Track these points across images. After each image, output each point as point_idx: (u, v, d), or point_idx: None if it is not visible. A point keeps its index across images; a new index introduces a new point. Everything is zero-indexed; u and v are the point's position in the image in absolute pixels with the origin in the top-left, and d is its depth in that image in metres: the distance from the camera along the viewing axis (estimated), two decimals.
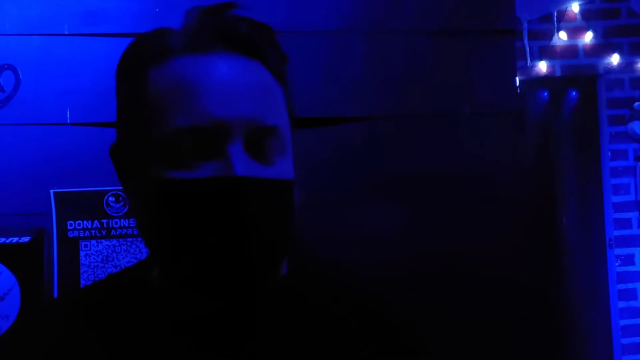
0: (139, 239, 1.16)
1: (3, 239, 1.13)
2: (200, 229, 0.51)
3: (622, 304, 2.83)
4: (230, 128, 0.51)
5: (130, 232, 1.16)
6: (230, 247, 0.51)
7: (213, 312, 0.56)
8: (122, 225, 1.16)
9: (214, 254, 0.51)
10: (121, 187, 0.61)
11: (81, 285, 1.15)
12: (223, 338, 0.56)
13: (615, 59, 2.82)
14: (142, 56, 0.56)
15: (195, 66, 0.53)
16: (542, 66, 2.81)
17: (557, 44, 2.81)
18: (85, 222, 1.16)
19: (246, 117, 0.52)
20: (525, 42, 2.72)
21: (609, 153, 2.85)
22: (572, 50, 2.83)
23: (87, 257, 1.16)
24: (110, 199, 1.16)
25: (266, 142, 0.54)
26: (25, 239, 1.13)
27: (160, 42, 0.55)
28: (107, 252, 1.16)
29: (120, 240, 1.16)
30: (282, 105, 0.57)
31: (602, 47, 2.83)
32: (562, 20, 2.79)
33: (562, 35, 2.79)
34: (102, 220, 1.16)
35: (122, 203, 1.16)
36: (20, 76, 1.17)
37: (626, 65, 2.83)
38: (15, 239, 1.13)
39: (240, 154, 0.51)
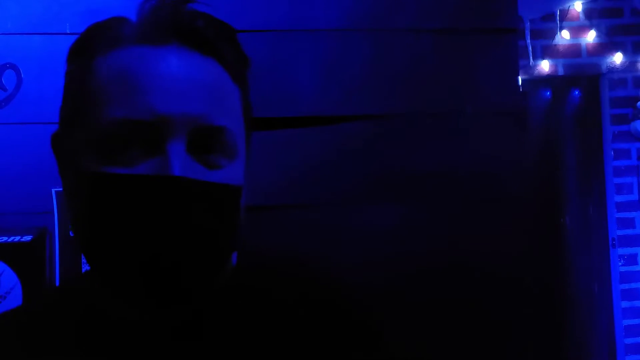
0: None
1: (5, 238, 1.13)
2: (131, 229, 0.48)
3: (625, 304, 2.82)
4: (171, 124, 0.48)
5: None
6: (160, 250, 0.48)
7: (151, 316, 0.54)
8: None
9: (144, 256, 0.48)
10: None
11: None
12: (165, 340, 0.54)
13: (618, 58, 2.81)
14: (90, 44, 0.53)
15: (141, 57, 0.50)
16: (545, 65, 2.80)
17: (560, 43, 2.81)
18: None
19: (191, 115, 0.49)
20: (528, 41, 2.71)
21: (612, 152, 2.84)
22: (574, 50, 2.82)
23: None
24: None
25: (213, 144, 0.51)
26: (27, 238, 1.13)
27: (111, 31, 0.53)
28: None
29: None
30: (236, 107, 0.55)
31: (605, 46, 2.82)
32: (565, 19, 2.78)
33: (565, 34, 2.79)
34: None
35: None
36: (22, 75, 1.17)
37: (629, 65, 2.82)
38: (17, 238, 1.13)
39: (180, 153, 0.48)
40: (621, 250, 2.83)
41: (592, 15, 2.81)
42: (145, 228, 0.48)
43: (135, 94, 0.48)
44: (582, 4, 2.76)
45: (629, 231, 2.84)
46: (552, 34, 2.78)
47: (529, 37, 2.71)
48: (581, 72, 2.84)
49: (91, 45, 0.53)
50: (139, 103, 0.48)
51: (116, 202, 0.48)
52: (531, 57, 2.75)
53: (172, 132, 0.48)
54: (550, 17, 2.76)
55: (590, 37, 2.80)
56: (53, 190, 1.15)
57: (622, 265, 2.83)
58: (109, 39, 0.52)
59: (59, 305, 0.59)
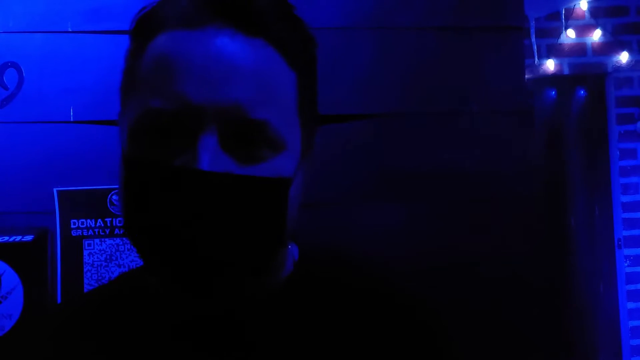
0: None
1: (6, 238, 1.12)
2: (170, 222, 0.46)
3: (631, 305, 2.80)
4: (203, 115, 0.45)
5: None
6: (195, 242, 0.46)
7: (211, 314, 0.53)
8: None
9: (185, 251, 0.47)
10: None
11: (84, 284, 1.14)
12: (221, 341, 0.53)
13: (624, 56, 2.79)
14: (145, 24, 0.51)
15: (180, 42, 0.47)
16: (550, 64, 2.78)
17: (565, 42, 2.79)
18: (88, 220, 1.15)
19: (223, 106, 0.46)
20: (533, 40, 2.70)
21: (618, 152, 2.83)
22: (580, 48, 2.81)
23: (91, 256, 1.15)
24: (114, 197, 1.15)
25: (252, 137, 0.47)
26: (29, 237, 1.12)
27: (162, 12, 0.50)
28: (111, 251, 1.15)
29: (124, 239, 1.15)
30: (287, 96, 0.50)
31: (611, 45, 2.80)
32: (570, 17, 2.76)
33: (570, 33, 2.77)
34: (106, 219, 1.15)
35: None
36: (24, 74, 1.17)
37: (635, 63, 2.80)
38: (18, 238, 1.12)
39: (210, 147, 0.45)
40: (627, 251, 2.81)
41: (598, 14, 2.79)
42: (183, 222, 0.46)
43: (171, 83, 0.46)
44: (588, 2, 2.74)
45: (635, 232, 2.82)
46: (558, 33, 2.77)
47: (534, 36, 2.70)
48: (587, 71, 2.83)
49: (145, 26, 0.51)
50: (174, 93, 0.46)
51: (150, 191, 0.47)
52: (536, 56, 2.74)
53: (204, 123, 0.46)
54: (556, 15, 2.74)
55: (596, 35, 2.79)
56: (54, 190, 1.14)
57: (628, 266, 2.81)
58: (158, 20, 0.49)
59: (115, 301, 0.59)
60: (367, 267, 0.65)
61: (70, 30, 1.17)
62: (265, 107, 0.47)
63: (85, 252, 1.15)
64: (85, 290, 1.13)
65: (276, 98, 0.48)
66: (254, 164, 0.47)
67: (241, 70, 0.46)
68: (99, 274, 1.14)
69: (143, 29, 0.51)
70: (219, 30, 0.47)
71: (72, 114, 1.17)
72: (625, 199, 2.82)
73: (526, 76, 1.29)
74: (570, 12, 2.76)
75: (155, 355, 0.53)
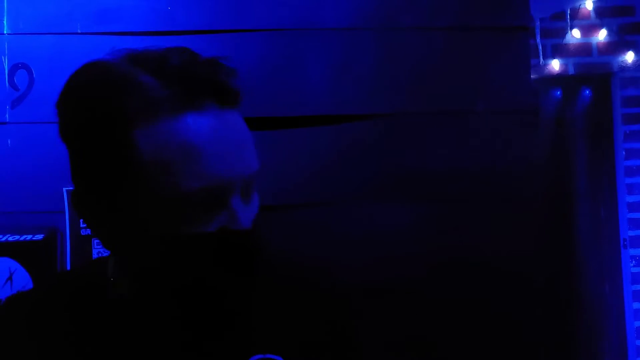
0: None
1: (17, 237, 1.13)
2: (198, 276, 0.55)
3: (636, 305, 2.79)
4: (233, 183, 0.54)
5: None
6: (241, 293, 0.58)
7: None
8: None
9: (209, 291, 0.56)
10: None
11: None
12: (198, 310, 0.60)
13: (629, 56, 2.78)
14: (121, 115, 0.51)
15: (192, 127, 0.52)
16: (555, 64, 2.78)
17: (571, 42, 2.79)
18: None
19: (245, 172, 0.55)
20: (538, 40, 2.70)
21: (623, 152, 2.82)
22: (585, 48, 2.80)
23: (100, 254, 1.16)
24: None
25: (252, 185, 0.58)
26: (39, 236, 1.14)
27: (142, 99, 0.51)
28: None
29: None
30: (252, 141, 0.59)
31: (617, 45, 2.80)
32: (576, 17, 2.76)
33: (576, 33, 2.77)
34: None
35: None
36: (34, 75, 1.18)
37: None
38: (29, 237, 1.13)
39: (241, 205, 0.55)
40: (632, 251, 2.81)
41: (603, 14, 2.79)
42: (215, 274, 0.56)
43: (202, 164, 0.52)
44: (593, 2, 2.74)
45: None
46: (563, 33, 2.76)
47: (539, 36, 2.69)
48: (592, 71, 2.82)
49: (123, 116, 0.51)
50: (208, 172, 0.52)
51: (196, 257, 0.54)
52: (541, 56, 2.73)
53: (233, 188, 0.54)
54: (561, 15, 2.74)
55: (601, 35, 2.78)
56: (64, 190, 1.15)
57: (634, 266, 2.81)
58: (143, 109, 0.51)
59: (63, 287, 0.64)
60: (317, 271, 0.72)
61: (79, 31, 1.19)
62: (255, 158, 0.58)
63: (95, 251, 1.16)
64: None
65: (254, 150, 0.58)
66: (251, 202, 0.58)
67: (244, 139, 0.56)
68: None
69: (116, 116, 0.52)
70: (216, 109, 0.53)
71: None
72: (630, 199, 2.81)
73: (531, 76, 1.29)
74: (575, 12, 2.75)
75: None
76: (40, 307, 0.62)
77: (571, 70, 2.81)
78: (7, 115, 1.17)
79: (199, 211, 0.53)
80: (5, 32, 1.17)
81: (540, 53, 2.73)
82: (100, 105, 0.53)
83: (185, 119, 0.51)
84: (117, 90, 0.52)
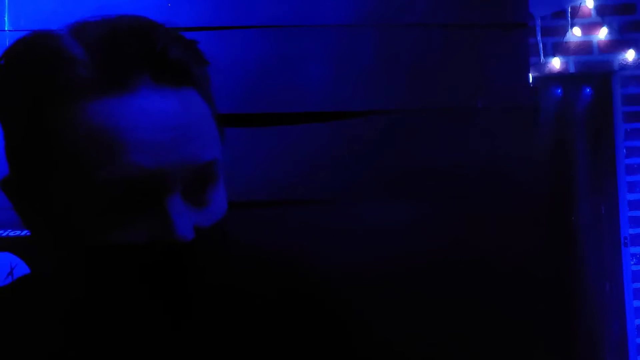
0: None
1: (18, 232, 1.14)
2: (129, 295, 0.46)
3: (637, 303, 2.79)
4: (164, 177, 0.45)
5: None
6: (172, 311, 0.47)
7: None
8: None
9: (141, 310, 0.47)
10: None
11: None
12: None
13: (630, 55, 2.78)
14: (39, 92, 0.45)
15: (116, 112, 0.44)
16: (556, 63, 2.78)
17: (571, 40, 2.78)
18: None
19: (181, 162, 0.45)
20: (539, 38, 2.70)
21: (624, 150, 2.82)
22: (586, 47, 2.80)
23: None
24: None
25: (203, 181, 0.48)
26: None
27: (64, 77, 0.45)
28: None
29: None
30: (213, 127, 0.50)
31: (617, 43, 2.80)
32: (576, 16, 2.76)
33: (576, 32, 2.76)
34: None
35: None
36: None
37: None
38: (29, 232, 1.14)
39: (179, 207, 0.45)
40: (633, 249, 2.81)
41: (604, 12, 2.78)
42: (153, 295, 0.47)
43: (119, 154, 0.44)
44: (594, 0, 2.74)
45: None
46: (563, 31, 2.76)
47: (539, 34, 2.69)
48: (593, 69, 2.82)
49: (41, 93, 0.45)
50: (125, 163, 0.44)
51: (117, 272, 0.46)
52: (542, 55, 2.73)
53: (167, 185, 0.45)
54: (561, 14, 2.74)
55: (602, 34, 2.78)
56: None
57: (634, 264, 2.80)
58: (65, 87, 0.45)
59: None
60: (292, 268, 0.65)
61: None
62: (208, 147, 0.48)
63: None
64: None
65: (210, 135, 0.50)
66: (205, 205, 0.49)
67: (184, 123, 0.46)
68: None
69: (44, 96, 0.45)
70: (151, 89, 0.45)
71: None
72: (631, 197, 2.81)
73: (532, 74, 1.29)
74: (576, 10, 2.75)
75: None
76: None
77: (572, 69, 2.80)
78: None
79: (125, 213, 0.45)
80: (6, 28, 1.18)
81: (541, 51, 2.73)
82: (24, 83, 0.46)
83: (109, 101, 0.44)
84: (43, 67, 0.46)
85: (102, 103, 0.44)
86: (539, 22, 2.69)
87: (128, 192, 0.45)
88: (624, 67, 2.80)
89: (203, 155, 0.47)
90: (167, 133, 0.45)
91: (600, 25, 2.78)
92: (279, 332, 0.55)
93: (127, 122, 0.44)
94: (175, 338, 0.49)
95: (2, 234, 1.13)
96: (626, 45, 2.79)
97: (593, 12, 2.78)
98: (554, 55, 2.78)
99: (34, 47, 0.47)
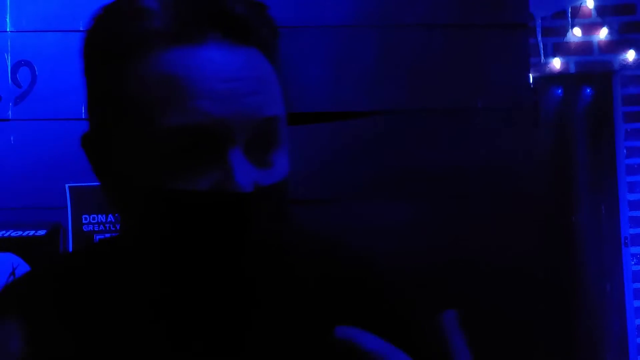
0: None
1: (20, 232, 1.14)
2: (194, 245, 0.48)
3: (637, 303, 2.79)
4: (228, 128, 0.46)
5: None
6: (227, 264, 0.48)
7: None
8: None
9: (208, 270, 0.48)
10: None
11: None
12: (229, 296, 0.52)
13: (630, 55, 2.78)
14: (116, 45, 0.48)
15: (186, 60, 0.47)
16: (556, 63, 2.78)
17: (572, 41, 2.79)
18: (100, 216, 1.17)
19: (247, 113, 0.47)
20: (539, 38, 2.70)
21: (624, 150, 2.82)
22: (586, 47, 2.80)
23: None
24: None
25: (266, 138, 0.50)
26: (41, 232, 1.15)
27: (138, 29, 0.48)
28: None
29: None
30: (278, 92, 0.52)
31: (618, 44, 2.80)
32: (577, 16, 2.76)
33: (577, 32, 2.77)
34: (117, 215, 1.17)
35: None
36: (37, 72, 1.19)
37: None
38: (31, 232, 1.14)
39: (241, 159, 0.47)
40: (633, 249, 2.81)
41: (604, 12, 2.79)
42: (212, 243, 0.48)
43: (187, 99, 0.46)
44: (594, 0, 2.74)
45: None
46: (564, 32, 2.76)
47: (540, 34, 2.70)
48: (593, 69, 2.82)
49: (118, 45, 0.48)
50: (193, 109, 0.46)
51: (181, 220, 0.47)
52: (542, 55, 2.73)
53: (230, 135, 0.47)
54: (562, 14, 2.74)
55: (602, 34, 2.78)
56: (66, 186, 1.16)
57: (635, 264, 2.81)
58: (140, 38, 0.47)
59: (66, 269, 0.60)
60: (360, 260, 0.66)
61: (82, 29, 1.19)
62: (270, 104, 0.50)
63: None
64: None
65: (276, 96, 0.52)
66: (267, 166, 0.50)
67: (245, 76, 0.48)
68: None
69: (114, 46, 0.49)
70: (219, 43, 0.48)
71: (84, 111, 1.19)
72: (631, 197, 2.81)
73: (532, 75, 1.29)
74: (576, 11, 2.75)
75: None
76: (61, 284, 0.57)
77: (572, 69, 2.81)
78: (9, 112, 1.18)
79: (190, 160, 0.47)
80: (8, 29, 1.19)
81: (542, 51, 2.73)
82: (107, 36, 0.50)
83: (180, 51, 0.47)
84: (123, 19, 0.49)
85: (173, 52, 0.47)
86: (539, 22, 2.69)
87: (193, 139, 0.46)
88: (624, 67, 2.80)
89: (265, 109, 0.49)
90: (231, 83, 0.47)
91: (601, 25, 2.78)
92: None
93: (195, 71, 0.47)
94: (228, 284, 0.50)
95: (4, 234, 1.14)
96: (626, 45, 2.79)
97: (593, 13, 2.78)
98: (554, 56, 2.78)
99: (115, 3, 0.51)
